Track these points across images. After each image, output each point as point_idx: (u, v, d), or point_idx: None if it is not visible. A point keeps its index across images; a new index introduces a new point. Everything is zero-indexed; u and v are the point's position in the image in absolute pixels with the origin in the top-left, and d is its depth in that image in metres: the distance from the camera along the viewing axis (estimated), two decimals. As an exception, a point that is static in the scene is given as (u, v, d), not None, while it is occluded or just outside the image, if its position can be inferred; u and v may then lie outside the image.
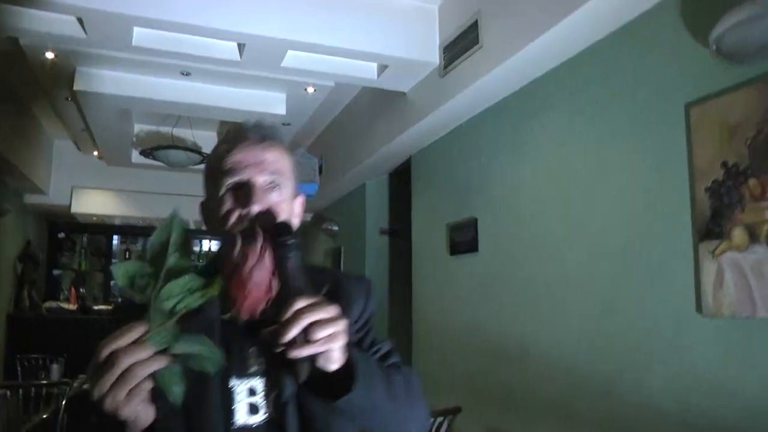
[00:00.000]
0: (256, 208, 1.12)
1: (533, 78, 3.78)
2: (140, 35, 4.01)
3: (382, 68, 4.50)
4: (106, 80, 5.03)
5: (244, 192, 1.13)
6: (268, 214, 1.12)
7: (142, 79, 5.13)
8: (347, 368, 0.99)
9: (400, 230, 6.46)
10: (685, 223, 2.68)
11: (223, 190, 1.15)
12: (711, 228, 2.54)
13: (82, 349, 6.37)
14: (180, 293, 0.92)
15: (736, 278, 2.43)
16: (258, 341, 1.06)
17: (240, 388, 1.09)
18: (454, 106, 4.27)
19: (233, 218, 1.12)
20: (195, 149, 6.35)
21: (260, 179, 1.15)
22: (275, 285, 1.00)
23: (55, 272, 9.57)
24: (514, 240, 3.96)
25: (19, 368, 6.02)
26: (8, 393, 4.32)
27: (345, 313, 1.03)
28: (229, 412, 1.06)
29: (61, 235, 9.61)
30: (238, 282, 0.99)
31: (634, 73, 3.05)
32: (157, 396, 0.90)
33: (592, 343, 3.22)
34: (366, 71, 4.59)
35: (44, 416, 3.86)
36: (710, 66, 2.58)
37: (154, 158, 6.27)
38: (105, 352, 0.86)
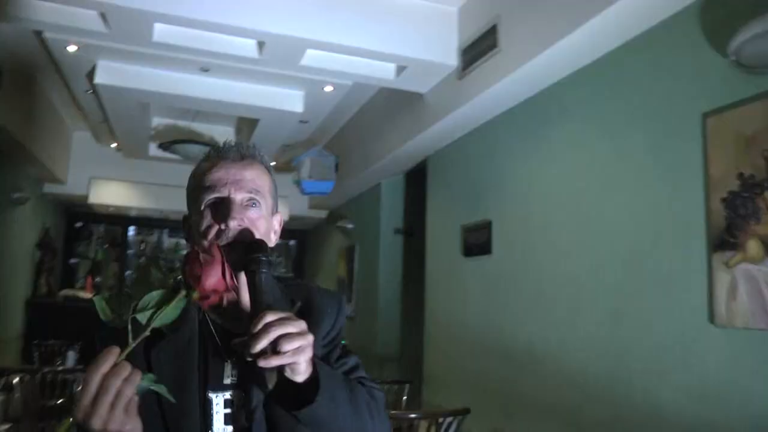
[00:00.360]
0: (233, 224, 1.16)
1: (550, 84, 3.78)
2: (161, 31, 4.06)
3: (401, 69, 4.52)
4: (126, 74, 5.08)
5: (223, 208, 1.18)
6: (244, 231, 1.17)
7: (162, 74, 5.19)
8: (313, 380, 1.04)
9: (414, 230, 6.47)
10: (698, 232, 2.67)
11: (203, 206, 1.20)
12: (725, 239, 2.53)
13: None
14: (153, 305, 0.98)
15: (750, 290, 2.42)
16: (234, 356, 1.14)
17: (217, 399, 1.14)
18: (471, 109, 4.28)
19: (212, 233, 1.17)
20: (212, 144, 6.38)
21: (239, 196, 1.20)
22: (229, 279, 1.03)
23: (72, 261, 9.68)
24: (526, 244, 3.97)
25: (36, 354, 6.10)
26: (26, 378, 4.40)
27: (316, 326, 1.13)
28: (208, 423, 1.12)
29: (79, 224, 9.70)
30: (192, 272, 1.02)
31: (651, 81, 3.04)
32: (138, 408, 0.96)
33: (601, 350, 3.22)
34: (384, 71, 4.60)
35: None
36: (728, 76, 2.57)
37: (172, 152, 6.33)
38: (94, 381, 0.91)
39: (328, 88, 5.41)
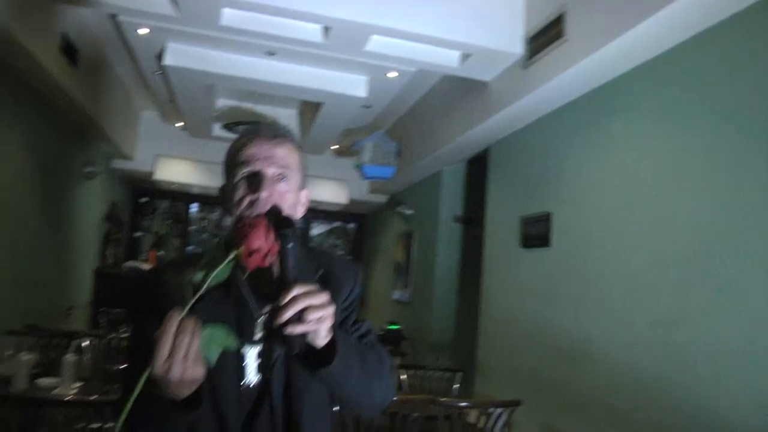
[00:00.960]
0: (264, 195, 1.29)
1: (615, 75, 3.69)
2: (228, 15, 4.14)
3: (465, 57, 4.48)
4: (194, 56, 5.22)
5: (255, 180, 1.31)
6: (274, 208, 1.29)
7: (228, 57, 5.30)
8: (330, 345, 1.18)
9: (473, 219, 6.44)
10: (763, 233, 2.57)
11: (237, 178, 1.33)
12: (794, 242, 2.44)
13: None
14: (205, 267, 1.11)
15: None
16: (263, 316, 1.30)
17: (249, 353, 1.30)
18: (535, 99, 4.22)
19: (245, 203, 1.31)
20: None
21: (270, 170, 1.32)
22: (272, 241, 1.15)
23: (137, 234, 10.05)
24: (586, 238, 3.90)
25: (103, 320, 6.37)
26: (94, 342, 4.65)
27: (335, 292, 1.27)
28: (241, 374, 1.29)
29: (144, 199, 10.06)
30: (239, 233, 1.14)
31: (720, 76, 2.93)
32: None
33: (657, 351, 3.15)
34: (449, 59, 4.57)
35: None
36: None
37: (235, 133, 6.46)
38: (167, 341, 1.05)
39: (392, 74, 5.41)
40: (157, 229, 10.22)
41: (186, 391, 1.10)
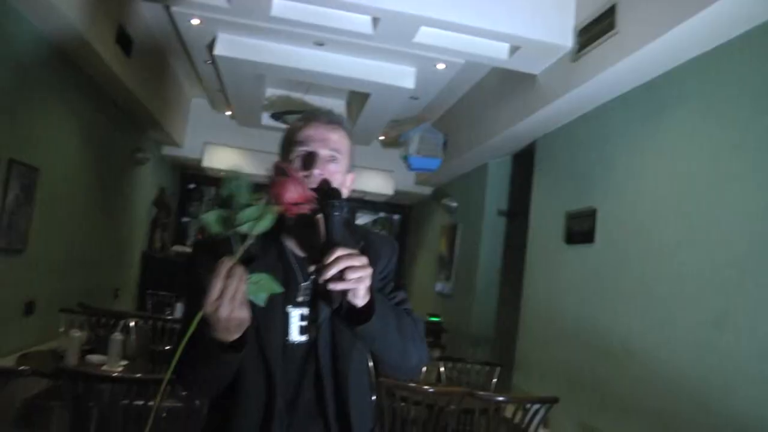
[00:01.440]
0: (317, 172, 1.42)
1: (667, 69, 3.60)
2: (278, 6, 4.20)
3: (514, 49, 4.45)
4: (244, 47, 5.29)
5: (309, 159, 1.44)
6: (325, 181, 1.40)
7: (278, 47, 5.35)
8: (369, 305, 1.29)
9: (518, 213, 6.39)
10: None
11: (293, 156, 1.46)
12: None
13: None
14: (251, 218, 1.19)
15: None
16: (307, 280, 1.44)
17: (294, 313, 1.44)
18: (583, 93, 4.16)
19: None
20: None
21: (323, 152, 1.45)
22: (308, 198, 1.23)
23: (184, 220, 10.27)
24: (631, 235, 3.83)
25: (149, 302, 6.53)
26: (140, 322, 4.74)
27: (374, 263, 1.32)
28: (286, 331, 1.42)
29: (192, 186, 10.27)
30: (278, 188, 1.21)
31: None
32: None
33: (701, 353, 3.08)
34: (497, 51, 4.54)
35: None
36: None
37: (283, 122, 6.55)
38: (218, 283, 1.16)
39: (440, 66, 5.39)
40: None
41: (233, 335, 1.22)
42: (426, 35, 4.40)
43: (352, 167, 1.56)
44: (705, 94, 3.31)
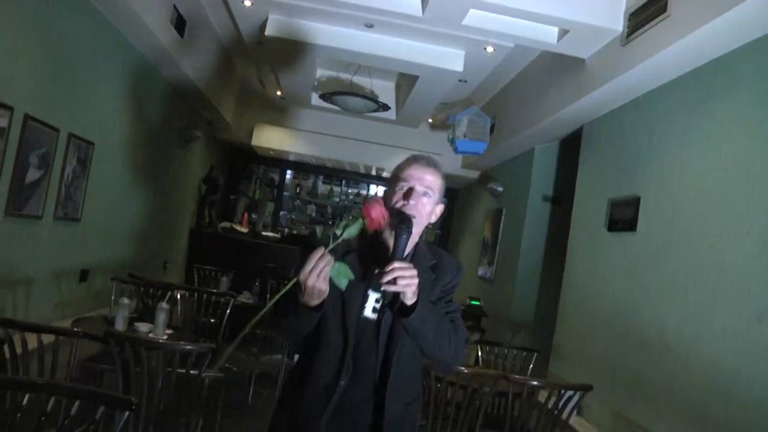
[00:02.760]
0: (412, 203, 1.86)
1: (720, 54, 3.51)
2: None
3: (563, 33, 4.40)
4: (294, 28, 5.35)
5: (408, 193, 1.88)
6: (401, 212, 1.85)
7: (328, 29, 5.39)
8: (416, 305, 1.75)
9: (563, 200, 6.34)
10: None
11: (397, 188, 1.91)
12: None
13: (249, 267, 6.96)
14: (343, 228, 1.73)
15: None
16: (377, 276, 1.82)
17: (371, 296, 1.90)
18: (632, 77, 4.09)
19: (398, 205, 1.87)
20: (372, 98, 6.57)
21: (419, 188, 1.89)
22: (385, 219, 1.78)
23: (232, 197, 10.47)
24: (675, 224, 3.77)
25: (195, 276, 6.71)
26: (186, 295, 4.94)
27: (440, 276, 1.96)
28: (362, 308, 1.90)
29: (241, 164, 10.44)
30: (370, 209, 1.75)
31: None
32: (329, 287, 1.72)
33: (741, 346, 3.03)
34: (546, 35, 4.50)
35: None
36: None
37: (332, 103, 6.58)
38: (312, 260, 1.66)
39: (489, 49, 5.36)
40: (251, 193, 10.59)
41: (314, 300, 1.73)
42: (475, 18, 4.39)
43: (442, 199, 2.01)
44: (758, 82, 3.22)
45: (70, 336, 2.96)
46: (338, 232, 1.74)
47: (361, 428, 1.92)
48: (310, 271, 1.67)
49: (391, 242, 1.82)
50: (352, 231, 1.75)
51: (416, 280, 1.72)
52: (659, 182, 4.01)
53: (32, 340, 2.87)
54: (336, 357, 1.88)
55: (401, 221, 1.80)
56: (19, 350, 2.81)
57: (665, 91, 4.07)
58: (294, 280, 1.71)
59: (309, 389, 1.91)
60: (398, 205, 1.87)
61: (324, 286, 1.69)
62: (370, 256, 1.90)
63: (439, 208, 1.99)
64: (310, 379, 1.92)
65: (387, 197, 1.95)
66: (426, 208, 1.91)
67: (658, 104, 4.16)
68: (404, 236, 1.78)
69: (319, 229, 1.83)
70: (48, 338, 2.91)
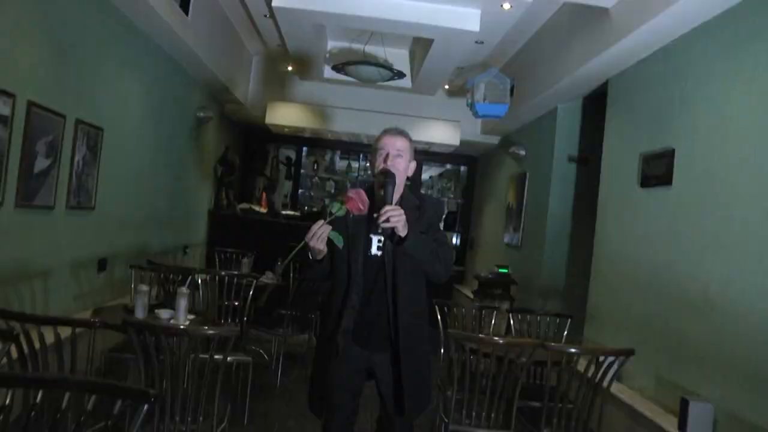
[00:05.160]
0: (389, 163, 2.59)
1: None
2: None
3: (585, -20, 4.16)
4: (302, -4, 5.15)
5: (386, 157, 2.62)
6: (385, 169, 2.57)
7: (337, -5, 5.19)
8: (407, 235, 2.42)
9: (589, 159, 6.12)
10: None
11: (378, 155, 2.64)
12: None
13: (270, 247, 6.85)
14: (335, 208, 2.40)
15: None
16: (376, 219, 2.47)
17: (373, 238, 2.63)
18: (661, 23, 3.84)
19: (380, 167, 2.60)
20: (386, 65, 6.36)
21: (393, 151, 2.63)
22: (360, 208, 2.42)
23: (249, 177, 10.27)
24: (714, 176, 3.55)
25: (217, 259, 6.63)
26: (208, 278, 4.85)
27: (423, 215, 2.65)
28: (368, 248, 2.64)
29: (256, 144, 10.25)
30: (348, 202, 2.42)
31: None
32: (330, 245, 2.45)
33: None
34: (567, -17, 4.27)
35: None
36: None
37: (346, 73, 6.39)
38: (314, 228, 2.37)
39: (506, 6, 5.12)
40: (269, 173, 10.45)
41: (317, 256, 2.51)
42: (489, -29, 4.17)
43: (412, 158, 2.74)
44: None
45: (87, 327, 2.86)
46: (332, 209, 2.42)
47: (379, 336, 2.66)
48: (312, 236, 2.39)
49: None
50: (340, 213, 2.42)
51: (404, 217, 2.40)
52: (695, 133, 3.78)
53: (49, 334, 2.76)
54: (348, 286, 2.62)
55: (386, 176, 2.52)
56: (37, 345, 2.71)
57: (698, 35, 3.82)
58: (303, 242, 2.42)
59: (333, 311, 2.67)
60: (380, 167, 2.59)
61: (321, 246, 2.43)
62: (370, 212, 2.51)
63: (412, 167, 2.73)
64: (331, 307, 2.69)
65: (372, 163, 2.69)
66: (401, 165, 2.64)
67: (690, 50, 3.90)
68: (390, 187, 2.48)
69: (327, 201, 2.52)
70: (65, 331, 2.80)
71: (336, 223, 2.41)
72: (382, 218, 2.34)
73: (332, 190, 10.73)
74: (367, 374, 2.74)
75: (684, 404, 3.28)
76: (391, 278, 2.60)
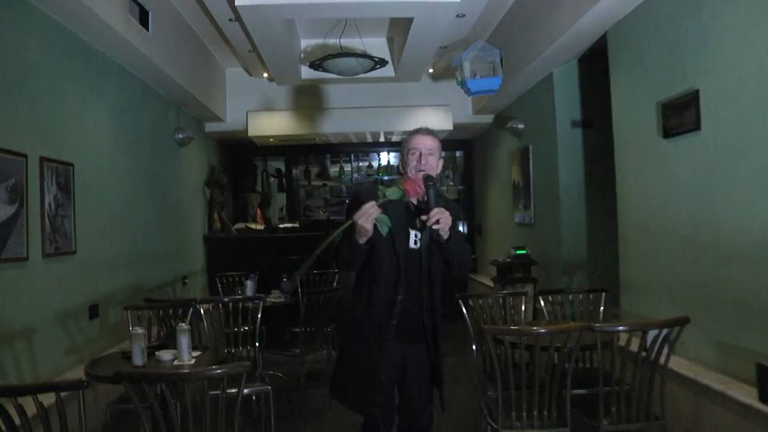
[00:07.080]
0: (423, 163, 2.79)
1: None
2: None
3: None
4: (266, -9, 4.74)
5: (418, 155, 2.80)
6: (427, 175, 2.73)
7: (302, -17, 4.79)
8: (450, 236, 2.67)
9: (594, 121, 5.76)
10: None
11: (409, 154, 2.83)
12: None
13: (274, 264, 6.51)
14: (390, 191, 2.60)
15: None
16: (419, 219, 2.73)
17: (413, 232, 2.79)
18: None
19: (413, 167, 2.79)
20: (366, 55, 5.98)
21: (425, 151, 2.81)
22: (422, 190, 2.63)
23: (241, 195, 9.88)
24: (748, 115, 3.17)
25: (219, 285, 6.26)
26: (211, 307, 4.54)
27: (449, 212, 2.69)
28: (407, 241, 2.78)
29: (242, 159, 9.85)
30: (407, 184, 2.62)
31: None
32: (376, 230, 2.62)
33: None
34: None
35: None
36: None
37: (324, 69, 5.98)
38: (365, 207, 2.52)
39: (484, -30, 4.74)
40: (261, 188, 10.06)
41: (362, 238, 2.59)
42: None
43: (441, 155, 2.95)
44: None
45: (74, 389, 2.48)
46: (387, 192, 2.58)
47: (416, 330, 2.80)
48: (363, 214, 2.48)
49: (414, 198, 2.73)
50: (394, 196, 2.59)
51: (450, 219, 2.58)
52: (723, 68, 3.39)
53: (30, 405, 2.38)
54: (393, 278, 2.74)
55: (428, 181, 2.65)
56: (17, 420, 2.34)
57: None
58: (350, 221, 2.53)
59: (374, 306, 2.74)
60: (415, 168, 2.76)
61: (369, 227, 2.52)
62: (409, 207, 2.77)
63: (440, 164, 2.92)
64: (374, 298, 2.75)
65: (402, 161, 2.87)
66: (433, 164, 2.82)
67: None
68: (432, 191, 2.63)
69: (376, 186, 2.87)
70: (50, 397, 2.41)
71: (392, 210, 2.65)
72: (432, 220, 2.51)
73: (328, 196, 10.37)
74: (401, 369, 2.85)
75: (763, 370, 2.89)
76: (427, 272, 2.78)
